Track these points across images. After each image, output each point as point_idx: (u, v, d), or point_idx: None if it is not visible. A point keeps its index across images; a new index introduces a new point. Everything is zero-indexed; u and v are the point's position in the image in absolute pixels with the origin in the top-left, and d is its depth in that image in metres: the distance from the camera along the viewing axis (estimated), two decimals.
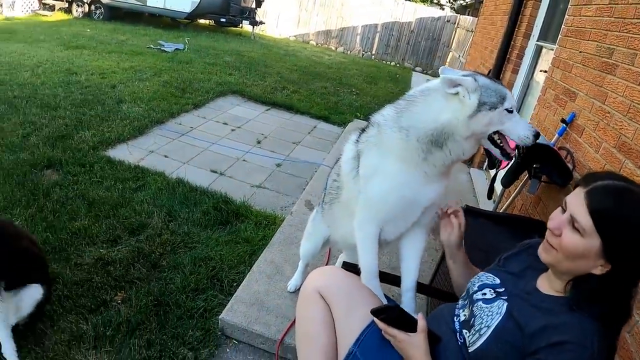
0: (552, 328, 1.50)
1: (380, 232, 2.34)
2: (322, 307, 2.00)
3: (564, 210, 1.58)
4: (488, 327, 1.65)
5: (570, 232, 1.52)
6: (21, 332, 2.91)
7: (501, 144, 2.07)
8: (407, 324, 1.78)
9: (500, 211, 4.57)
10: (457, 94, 1.95)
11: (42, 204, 4.28)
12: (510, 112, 1.98)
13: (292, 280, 3.53)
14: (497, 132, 2.03)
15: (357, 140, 2.38)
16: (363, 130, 2.37)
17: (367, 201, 2.28)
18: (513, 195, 4.38)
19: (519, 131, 2.01)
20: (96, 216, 4.23)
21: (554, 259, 1.60)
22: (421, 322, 1.80)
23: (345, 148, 2.53)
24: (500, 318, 1.65)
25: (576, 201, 1.52)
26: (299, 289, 3.43)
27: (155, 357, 2.89)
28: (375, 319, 1.84)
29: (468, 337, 1.74)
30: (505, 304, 1.68)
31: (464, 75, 1.96)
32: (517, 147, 3.86)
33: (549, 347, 1.47)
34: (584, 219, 1.47)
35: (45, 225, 4.00)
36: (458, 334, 1.81)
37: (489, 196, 4.43)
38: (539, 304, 1.62)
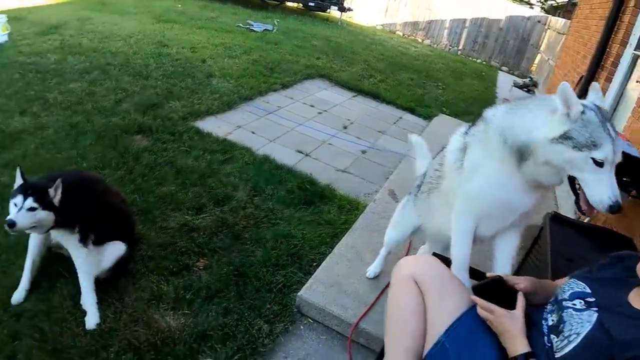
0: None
1: (476, 227, 2.37)
2: (415, 293, 2.03)
3: None
4: (578, 334, 1.65)
5: None
6: (101, 286, 3.09)
7: (578, 192, 1.97)
8: (506, 299, 1.82)
9: (584, 222, 4.44)
10: (555, 111, 1.89)
11: (131, 167, 4.54)
12: (599, 165, 1.83)
13: (371, 266, 3.57)
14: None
15: (466, 133, 2.40)
16: (473, 122, 2.39)
17: (466, 194, 2.31)
18: None
19: (595, 191, 1.87)
20: (183, 183, 4.44)
21: None
22: (520, 299, 1.83)
23: (451, 139, 2.54)
24: (590, 327, 1.64)
25: None
26: (377, 275, 3.54)
27: (232, 325, 3.00)
28: (474, 297, 1.88)
29: (556, 342, 1.73)
30: (596, 315, 1.67)
31: (582, 104, 1.86)
32: None
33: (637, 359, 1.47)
34: None
35: (133, 187, 4.23)
36: (546, 337, 1.81)
37: (579, 209, 4.30)
38: (631, 317, 1.61)
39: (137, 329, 2.90)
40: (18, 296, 2.97)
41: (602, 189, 1.84)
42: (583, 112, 1.81)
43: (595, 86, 2.05)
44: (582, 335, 1.63)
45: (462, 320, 1.93)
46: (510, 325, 1.78)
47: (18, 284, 3.02)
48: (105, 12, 11.46)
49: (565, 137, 1.83)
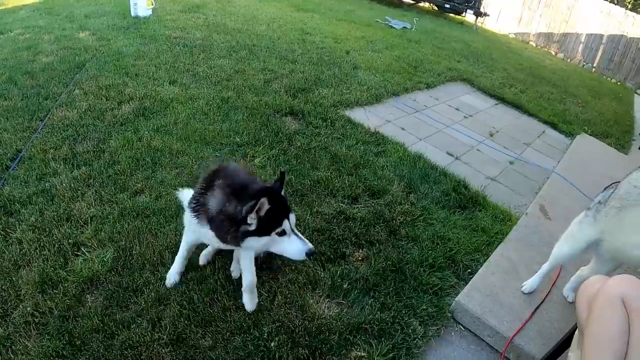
0: None
1: None
2: (622, 315, 1.96)
3: None
4: None
5: None
6: (255, 262, 3.05)
7: None
8: None
9: None
10: None
11: (285, 148, 4.58)
12: None
13: (529, 281, 3.44)
14: None
15: None
16: None
17: None
18: None
19: None
20: (338, 170, 4.41)
21: None
22: None
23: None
24: None
25: None
26: (533, 291, 3.41)
27: (388, 322, 2.93)
28: None
29: None
30: None
31: None
32: None
33: None
34: None
35: (288, 167, 4.27)
36: None
37: None
38: None
39: (290, 311, 2.87)
40: (173, 279, 2.96)
41: None
42: None
43: None
44: None
45: None
46: None
47: (172, 259, 3.04)
48: None
49: None
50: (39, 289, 2.77)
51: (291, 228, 2.34)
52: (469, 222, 4.17)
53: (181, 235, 2.96)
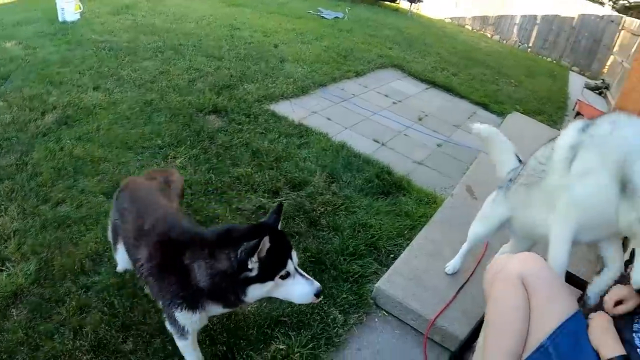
0: None
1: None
2: (522, 294, 1.96)
3: None
4: None
5: None
6: None
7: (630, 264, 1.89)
8: None
9: None
10: None
11: (206, 146, 4.54)
12: None
13: (451, 262, 3.45)
14: None
15: (583, 130, 2.21)
16: (593, 121, 2.20)
17: (571, 199, 2.18)
18: None
19: None
20: (259, 165, 4.40)
21: None
22: None
23: (564, 132, 2.35)
24: None
25: None
26: (456, 272, 3.42)
27: (307, 312, 2.94)
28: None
29: None
30: None
31: None
32: None
33: None
34: None
35: (208, 166, 4.23)
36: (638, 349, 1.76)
37: None
38: None
39: None
40: None
41: None
42: None
43: None
44: None
45: (567, 325, 1.86)
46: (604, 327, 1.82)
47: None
48: None
49: None
50: None
51: (295, 268, 2.07)
52: (392, 208, 4.21)
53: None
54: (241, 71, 6.72)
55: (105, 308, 2.76)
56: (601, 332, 1.86)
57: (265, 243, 1.88)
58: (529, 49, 19.67)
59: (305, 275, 2.10)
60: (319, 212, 3.91)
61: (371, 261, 3.50)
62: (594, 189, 2.05)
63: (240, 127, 5.05)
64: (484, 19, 20.92)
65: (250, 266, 1.93)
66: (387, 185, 4.52)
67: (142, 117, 4.96)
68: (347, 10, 13.92)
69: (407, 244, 3.67)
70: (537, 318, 1.92)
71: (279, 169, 4.39)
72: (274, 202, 3.89)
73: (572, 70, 18.02)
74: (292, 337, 2.77)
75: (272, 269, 1.97)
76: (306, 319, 2.90)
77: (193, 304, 2.13)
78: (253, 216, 3.69)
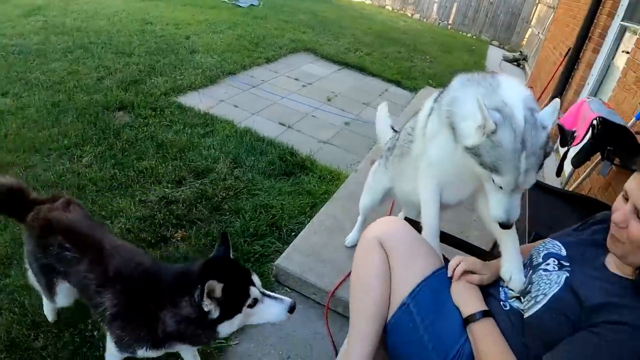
0: (614, 307, 1.49)
1: (441, 194, 2.34)
2: (380, 256, 1.96)
3: (626, 200, 1.55)
4: (545, 295, 1.65)
5: (637, 222, 1.49)
6: None
7: None
8: None
9: (566, 190, 4.49)
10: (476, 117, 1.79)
11: (112, 143, 4.59)
12: (500, 187, 1.80)
13: (350, 234, 3.61)
14: None
15: (436, 99, 2.37)
16: (443, 89, 2.30)
17: (426, 160, 2.30)
18: (582, 176, 4.29)
19: (492, 205, 1.86)
20: (164, 157, 4.49)
21: (622, 251, 1.57)
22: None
23: (425, 103, 2.50)
24: (558, 288, 1.64)
25: (638, 189, 1.51)
26: (356, 244, 3.52)
27: None
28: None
29: (523, 303, 1.76)
30: (565, 275, 1.67)
31: (510, 116, 1.74)
32: (592, 126, 3.79)
33: (607, 323, 1.46)
34: None
35: (113, 162, 4.29)
36: (502, 302, 1.84)
37: (558, 174, 4.35)
38: (605, 280, 1.60)
39: None
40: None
41: (497, 207, 1.84)
42: (495, 131, 1.72)
43: (554, 103, 1.88)
44: (548, 296, 1.63)
45: (428, 282, 1.90)
46: (462, 291, 1.85)
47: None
48: None
49: (475, 150, 1.78)
50: None
51: (260, 292, 1.98)
52: (294, 188, 4.37)
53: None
54: (150, 65, 6.72)
55: (16, 308, 2.82)
56: (464, 290, 1.88)
57: (213, 285, 1.80)
58: (449, 26, 20.04)
59: (273, 295, 2.03)
60: (221, 197, 4.04)
61: (272, 240, 3.65)
62: (440, 146, 2.13)
63: (146, 121, 5.10)
64: None
65: (207, 309, 1.86)
66: (290, 166, 4.68)
67: (50, 119, 4.95)
68: None
69: (309, 222, 3.83)
70: (398, 278, 1.92)
71: (183, 159, 4.49)
72: (178, 192, 4.01)
73: (492, 45, 18.52)
74: None
75: (235, 302, 1.91)
76: None
77: (158, 345, 2.06)
78: (156, 207, 3.80)
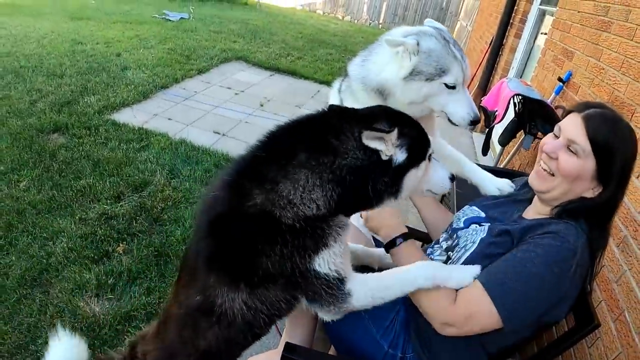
0: (541, 226, 1.60)
1: None
2: None
3: (556, 137, 1.67)
4: (473, 242, 1.73)
5: (567, 154, 1.61)
6: (25, 283, 3.14)
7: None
8: None
9: (496, 167, 4.65)
10: (397, 53, 1.82)
11: (48, 165, 4.46)
12: (452, 87, 1.80)
13: None
14: None
15: (339, 90, 2.43)
16: (343, 79, 2.34)
17: None
18: (511, 153, 4.47)
19: (455, 111, 1.85)
20: (101, 175, 4.40)
21: (549, 185, 1.68)
22: None
23: (329, 95, 2.57)
24: (483, 234, 1.73)
25: (573, 126, 1.61)
26: None
27: (154, 304, 3.05)
28: None
29: (452, 255, 1.82)
30: (487, 225, 1.77)
31: (417, 34, 1.83)
32: (513, 104, 3.92)
33: (538, 235, 1.56)
34: (583, 141, 1.56)
35: (51, 184, 4.18)
36: (430, 256, 1.92)
37: (484, 152, 4.49)
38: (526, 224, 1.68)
39: (64, 319, 2.91)
40: None
41: (460, 109, 1.84)
42: (418, 44, 1.77)
43: (428, 20, 2.03)
44: (477, 243, 1.71)
45: None
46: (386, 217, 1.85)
47: None
48: (18, 15, 11.02)
49: (415, 73, 1.79)
50: None
51: None
52: None
53: None
54: (82, 85, 6.55)
55: None
56: (387, 214, 1.85)
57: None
58: (380, 25, 20.28)
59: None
60: (160, 208, 4.00)
61: None
62: None
63: (81, 140, 4.98)
64: (334, 2, 21.28)
65: (391, 152, 1.40)
66: None
67: None
68: (191, 9, 13.75)
69: None
70: None
71: (120, 175, 4.41)
72: (117, 208, 3.95)
73: None
74: (143, 328, 2.83)
75: (420, 146, 1.50)
76: (154, 309, 3.01)
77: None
78: (97, 223, 3.73)
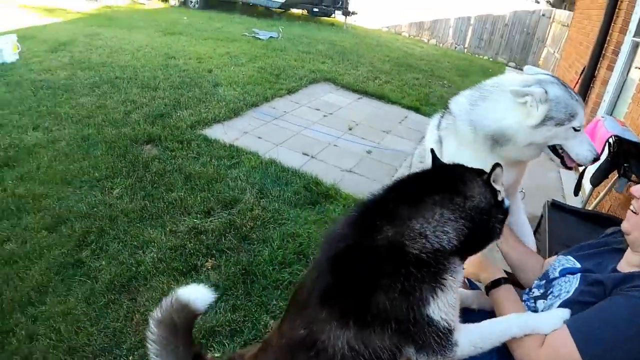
0: (632, 279, 1.59)
1: None
2: None
3: None
4: (568, 292, 1.74)
5: None
6: (114, 288, 3.35)
7: (562, 154, 2.07)
8: None
9: (584, 209, 4.53)
10: (525, 102, 1.93)
11: (141, 175, 4.73)
12: (577, 130, 1.95)
13: None
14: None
15: (438, 126, 2.48)
16: (442, 115, 2.41)
17: None
18: (602, 194, 4.34)
19: (579, 150, 2.00)
20: (192, 189, 4.60)
21: (632, 223, 1.71)
22: None
23: (428, 131, 2.61)
24: (577, 283, 1.74)
25: None
26: None
27: (239, 321, 3.15)
28: None
29: (545, 303, 1.83)
30: (580, 274, 1.78)
31: (538, 82, 1.94)
32: (608, 144, 3.84)
33: (629, 287, 1.56)
34: None
35: (143, 194, 4.43)
36: (526, 302, 1.93)
37: (576, 192, 4.39)
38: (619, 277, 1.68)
39: (147, 327, 3.06)
40: None
41: (584, 148, 1.99)
42: (546, 92, 1.89)
43: (528, 67, 2.17)
44: (571, 292, 1.73)
45: None
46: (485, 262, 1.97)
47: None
48: (113, 27, 11.75)
49: (546, 120, 1.91)
50: None
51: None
52: (320, 216, 4.45)
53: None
54: (175, 99, 6.89)
55: (52, 334, 2.94)
56: (484, 261, 2.01)
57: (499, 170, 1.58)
58: (465, 50, 20.19)
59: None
60: (249, 227, 4.13)
61: (300, 268, 3.71)
62: (471, 156, 2.14)
63: (173, 153, 5.24)
64: (419, 25, 21.36)
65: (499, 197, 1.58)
66: (314, 195, 4.77)
67: (80, 152, 5.12)
68: (281, 29, 14.14)
69: None
70: None
71: (211, 191, 4.59)
72: (207, 223, 4.11)
73: (509, 66, 18.61)
74: (226, 344, 2.96)
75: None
76: (238, 326, 3.10)
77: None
78: (186, 237, 3.90)
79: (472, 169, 1.65)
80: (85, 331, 2.99)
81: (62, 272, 3.53)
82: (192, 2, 18.10)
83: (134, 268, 3.54)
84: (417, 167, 2.85)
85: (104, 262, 3.59)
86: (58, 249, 3.75)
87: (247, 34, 13.18)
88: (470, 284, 2.33)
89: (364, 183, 5.42)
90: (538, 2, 23.70)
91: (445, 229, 1.48)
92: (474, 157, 2.12)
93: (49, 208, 4.23)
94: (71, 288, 3.38)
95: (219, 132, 6.03)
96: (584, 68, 7.24)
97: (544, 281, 1.97)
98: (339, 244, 1.55)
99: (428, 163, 2.49)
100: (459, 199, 1.53)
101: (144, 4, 18.01)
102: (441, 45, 20.61)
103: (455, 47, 20.48)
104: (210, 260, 3.68)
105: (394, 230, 1.47)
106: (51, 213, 4.16)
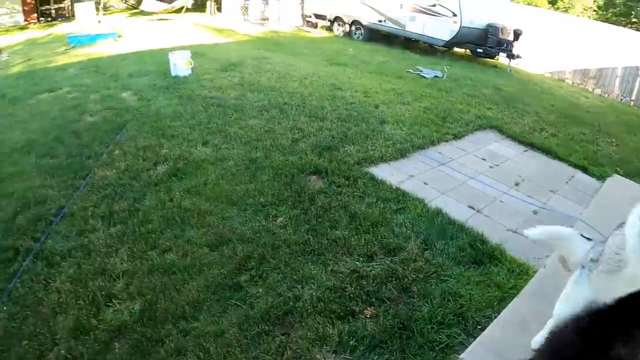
0: None
1: None
2: None
3: None
4: None
5: None
6: (269, 319, 3.41)
7: None
8: None
9: None
10: None
11: (306, 207, 4.81)
12: None
13: (537, 337, 3.38)
14: None
15: None
16: None
17: None
18: None
19: None
20: (356, 229, 4.59)
21: None
22: None
23: (630, 220, 2.37)
24: None
25: None
26: None
27: None
28: None
29: None
30: None
31: None
32: None
33: None
34: None
35: (307, 227, 4.50)
36: None
37: None
38: None
39: None
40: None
41: None
42: None
43: None
44: None
45: None
46: None
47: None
48: (280, 52, 12.32)
49: None
50: (72, 335, 3.20)
51: None
52: (483, 278, 4.25)
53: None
54: (342, 132, 6.98)
55: (200, 353, 3.06)
56: None
57: None
58: (632, 102, 18.94)
59: None
60: (410, 278, 4.03)
61: (458, 331, 3.56)
62: None
63: (339, 189, 5.27)
64: (584, 72, 20.41)
65: None
66: (479, 254, 4.58)
67: (247, 174, 5.33)
68: (446, 69, 14.04)
69: (496, 316, 3.71)
70: None
71: (375, 234, 4.55)
72: (367, 267, 4.07)
73: None
74: None
75: None
76: None
77: None
78: (347, 279, 3.88)
79: None
80: (234, 357, 3.08)
81: (219, 292, 3.65)
82: (356, 33, 18.58)
83: (291, 302, 3.58)
84: (611, 259, 2.63)
85: (261, 290, 3.68)
86: (218, 268, 3.91)
87: (411, 70, 13.22)
88: None
89: (529, 246, 5.09)
90: None
91: None
92: None
93: (212, 225, 4.42)
94: (226, 310, 3.49)
95: (385, 173, 6.01)
96: None
97: None
98: (566, 351, 1.52)
99: (628, 257, 2.28)
100: None
101: (309, 32, 18.78)
102: (607, 95, 19.46)
103: (621, 99, 19.23)
104: (369, 309, 3.63)
105: (626, 351, 1.49)
106: (214, 231, 4.35)
